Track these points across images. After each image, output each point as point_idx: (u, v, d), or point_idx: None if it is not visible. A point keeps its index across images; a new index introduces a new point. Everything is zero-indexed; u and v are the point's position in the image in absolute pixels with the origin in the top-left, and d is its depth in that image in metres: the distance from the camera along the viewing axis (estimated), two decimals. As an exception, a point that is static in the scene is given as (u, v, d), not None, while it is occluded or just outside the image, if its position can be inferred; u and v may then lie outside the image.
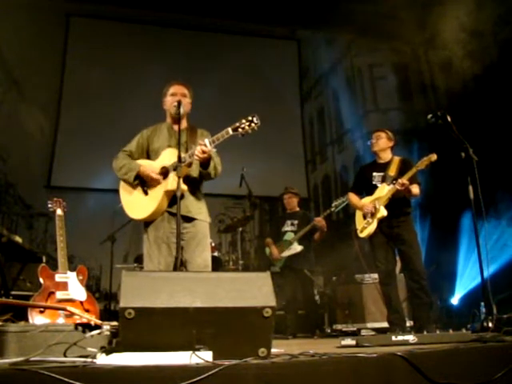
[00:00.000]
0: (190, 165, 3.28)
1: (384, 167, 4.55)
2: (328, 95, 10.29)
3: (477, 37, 6.53)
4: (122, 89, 8.65)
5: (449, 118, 3.81)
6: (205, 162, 3.27)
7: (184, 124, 3.46)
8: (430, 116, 3.91)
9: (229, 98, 8.62)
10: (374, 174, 4.56)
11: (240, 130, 3.14)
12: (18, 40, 7.67)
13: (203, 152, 3.14)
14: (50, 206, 4.30)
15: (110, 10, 8.99)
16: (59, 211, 4.26)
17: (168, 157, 3.33)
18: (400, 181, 4.20)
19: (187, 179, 3.30)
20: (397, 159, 4.55)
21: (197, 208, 3.40)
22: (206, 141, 3.17)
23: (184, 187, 3.23)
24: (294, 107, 9.87)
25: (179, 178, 3.06)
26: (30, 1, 7.92)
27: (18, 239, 4.39)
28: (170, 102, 3.51)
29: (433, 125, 3.88)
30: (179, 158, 3.11)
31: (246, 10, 8.69)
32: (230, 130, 3.16)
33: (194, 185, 3.42)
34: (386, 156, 4.62)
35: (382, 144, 4.61)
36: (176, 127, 3.44)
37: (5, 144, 7.22)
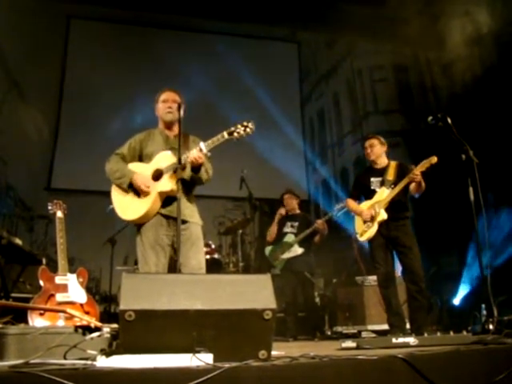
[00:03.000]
0: (183, 168, 3.31)
1: (381, 172, 4.57)
2: (328, 97, 10.30)
3: (478, 38, 6.53)
4: (122, 91, 8.66)
5: (449, 120, 3.81)
6: (196, 167, 3.33)
7: (176, 130, 3.52)
8: (430, 118, 3.90)
9: (229, 99, 8.62)
10: (372, 179, 4.60)
11: (235, 134, 3.24)
12: (18, 42, 7.68)
13: (198, 157, 3.22)
14: (50, 208, 4.30)
15: (111, 12, 9.01)
16: (59, 213, 4.26)
17: (161, 160, 3.37)
18: (415, 171, 4.21)
19: (181, 183, 3.32)
20: (393, 164, 4.58)
21: (189, 211, 3.43)
22: (202, 144, 3.26)
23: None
24: (294, 109, 9.88)
25: (178, 180, 3.09)
26: (31, 3, 7.93)
27: (18, 241, 4.39)
28: (161, 108, 3.57)
29: (433, 127, 3.88)
30: (179, 159, 3.14)
31: (246, 12, 8.70)
32: (225, 133, 3.26)
33: (187, 188, 3.46)
34: (382, 161, 4.65)
35: (377, 151, 4.65)
36: (168, 132, 3.55)
37: (5, 146, 7.22)
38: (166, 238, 3.32)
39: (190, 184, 3.48)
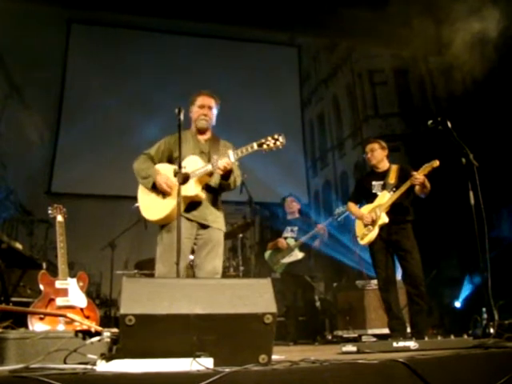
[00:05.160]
0: (210, 174, 3.32)
1: (383, 176, 4.56)
2: (328, 101, 10.32)
3: (478, 42, 6.54)
4: (122, 95, 8.66)
5: (449, 124, 3.81)
6: (226, 174, 3.34)
7: (208, 134, 3.57)
8: (430, 122, 3.91)
9: (228, 103, 8.61)
10: (374, 182, 4.58)
11: (264, 146, 3.25)
12: (19, 46, 7.70)
13: (227, 165, 3.23)
14: (50, 212, 4.30)
15: (112, 16, 9.02)
16: (59, 217, 4.25)
17: (189, 164, 3.36)
18: (416, 174, 4.18)
19: (207, 188, 3.40)
20: (395, 167, 4.56)
21: (214, 217, 3.48)
22: (231, 153, 3.26)
23: (202, 195, 3.33)
24: (294, 113, 9.89)
25: (180, 184, 3.09)
26: (32, 7, 7.95)
27: (19, 246, 4.38)
28: (197, 113, 3.58)
29: (433, 130, 3.88)
30: (179, 164, 3.14)
31: (246, 16, 8.71)
32: (255, 145, 3.27)
33: (214, 194, 3.51)
34: (384, 165, 4.63)
35: (378, 155, 4.62)
36: (200, 136, 3.58)
37: (6, 150, 7.23)
38: (187, 241, 3.33)
39: (216, 190, 3.52)
